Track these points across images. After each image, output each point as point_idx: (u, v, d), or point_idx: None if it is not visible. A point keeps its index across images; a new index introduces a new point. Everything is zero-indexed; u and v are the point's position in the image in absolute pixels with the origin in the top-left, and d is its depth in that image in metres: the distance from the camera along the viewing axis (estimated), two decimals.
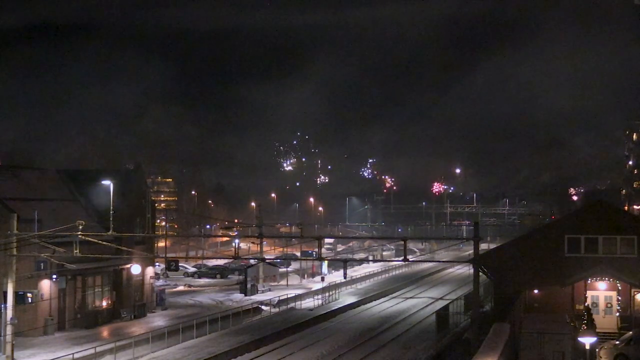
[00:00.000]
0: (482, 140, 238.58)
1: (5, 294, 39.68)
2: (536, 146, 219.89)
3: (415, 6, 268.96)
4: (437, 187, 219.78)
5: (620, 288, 45.08)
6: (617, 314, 45.18)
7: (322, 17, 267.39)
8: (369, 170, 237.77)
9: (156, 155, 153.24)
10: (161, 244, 75.55)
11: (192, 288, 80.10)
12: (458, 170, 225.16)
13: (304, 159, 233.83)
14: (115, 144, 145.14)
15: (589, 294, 45.33)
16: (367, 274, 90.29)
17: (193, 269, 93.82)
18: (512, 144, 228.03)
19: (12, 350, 38.88)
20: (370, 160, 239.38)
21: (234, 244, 47.31)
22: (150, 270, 61.33)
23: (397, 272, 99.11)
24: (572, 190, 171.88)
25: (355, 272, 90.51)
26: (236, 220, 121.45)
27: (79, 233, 40.38)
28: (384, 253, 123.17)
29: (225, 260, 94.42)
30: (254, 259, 69.89)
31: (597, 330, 36.98)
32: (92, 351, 41.06)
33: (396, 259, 79.76)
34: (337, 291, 72.32)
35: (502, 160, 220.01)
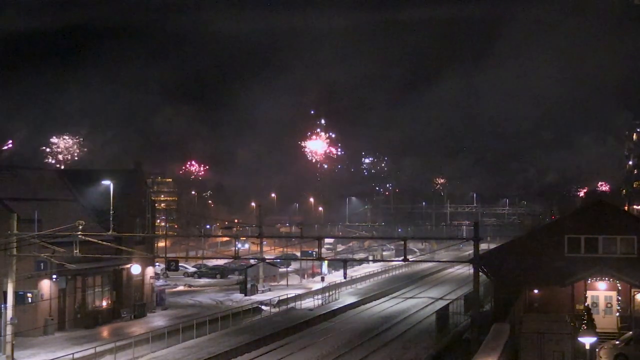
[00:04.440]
0: (483, 140, 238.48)
1: (5, 294, 39.70)
2: (538, 147, 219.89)
3: (420, 6, 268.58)
4: (439, 182, 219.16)
5: (620, 288, 45.08)
6: (617, 314, 45.18)
7: (324, 17, 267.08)
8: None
9: (156, 155, 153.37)
10: (161, 244, 75.48)
11: (192, 288, 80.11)
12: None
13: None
14: (115, 144, 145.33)
15: (589, 294, 45.33)
16: (367, 274, 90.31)
17: (193, 269, 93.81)
18: (514, 145, 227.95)
19: (12, 350, 38.90)
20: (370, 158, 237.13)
21: (236, 246, 47.21)
22: (150, 270, 61.32)
23: (397, 272, 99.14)
24: (573, 191, 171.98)
25: (355, 272, 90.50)
26: (236, 220, 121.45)
27: (79, 233, 40.44)
28: (384, 253, 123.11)
29: (225, 260, 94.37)
30: (254, 259, 69.90)
31: (597, 330, 36.97)
32: (92, 351, 41.07)
33: (396, 259, 79.83)
34: (337, 291, 72.32)
35: (503, 160, 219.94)
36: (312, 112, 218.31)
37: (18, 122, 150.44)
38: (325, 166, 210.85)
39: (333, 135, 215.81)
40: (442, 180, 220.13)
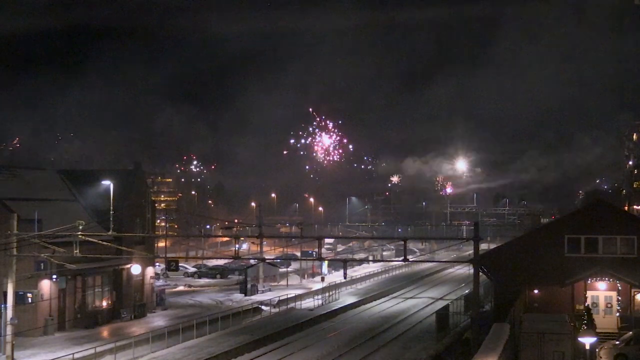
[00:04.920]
0: (483, 140, 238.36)
1: (5, 294, 39.70)
2: (538, 147, 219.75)
3: (420, 6, 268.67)
4: (449, 189, 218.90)
5: (620, 288, 45.08)
6: (617, 314, 45.18)
7: (324, 18, 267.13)
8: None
9: (157, 155, 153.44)
10: (161, 244, 75.54)
11: (192, 288, 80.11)
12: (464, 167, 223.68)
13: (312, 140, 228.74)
14: (115, 144, 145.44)
15: (589, 294, 45.34)
16: (367, 274, 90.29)
17: (193, 269, 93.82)
18: (514, 145, 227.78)
19: (12, 350, 38.88)
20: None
21: (235, 246, 47.15)
22: (150, 270, 61.33)
23: (397, 272, 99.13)
24: (573, 191, 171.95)
25: (356, 272, 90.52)
26: (236, 220, 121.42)
27: (79, 233, 40.41)
28: (384, 253, 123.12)
29: (225, 261, 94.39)
30: (254, 259, 69.87)
31: (597, 330, 37.00)
32: (92, 351, 41.07)
33: (396, 259, 79.82)
34: (337, 291, 72.32)
35: (503, 160, 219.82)
36: (311, 112, 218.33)
37: (19, 122, 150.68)
38: (326, 164, 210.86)
39: (336, 137, 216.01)
40: (442, 180, 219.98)
